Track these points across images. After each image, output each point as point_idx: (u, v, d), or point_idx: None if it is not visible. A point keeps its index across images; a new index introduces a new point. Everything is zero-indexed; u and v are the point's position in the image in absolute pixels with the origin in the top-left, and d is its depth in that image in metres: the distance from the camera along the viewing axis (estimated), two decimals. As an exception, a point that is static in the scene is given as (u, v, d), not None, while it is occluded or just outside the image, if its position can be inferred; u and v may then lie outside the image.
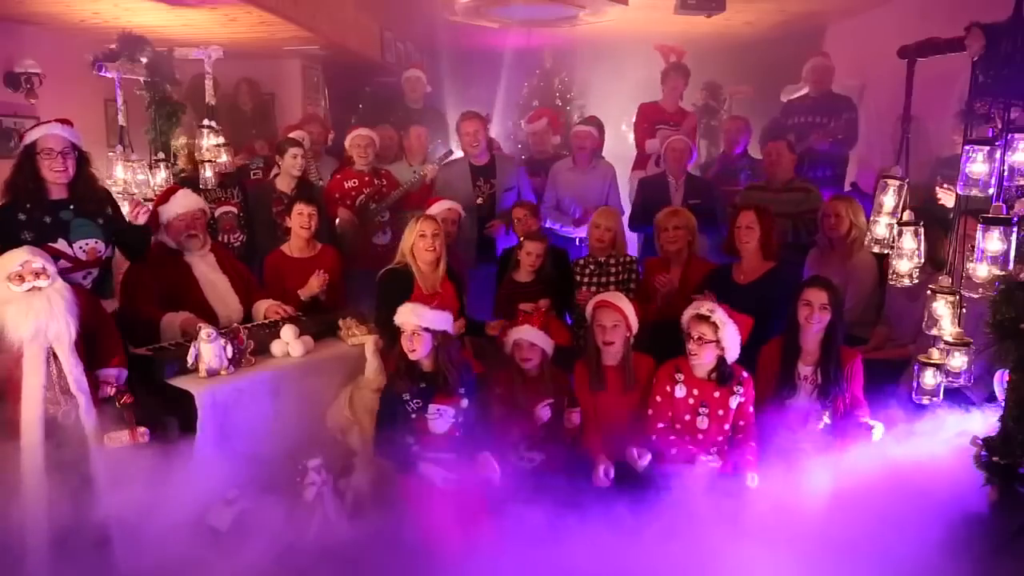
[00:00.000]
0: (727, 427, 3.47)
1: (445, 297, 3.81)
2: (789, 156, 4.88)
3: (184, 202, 3.79)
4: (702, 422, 3.42)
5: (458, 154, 5.26)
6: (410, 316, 3.28)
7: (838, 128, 5.56)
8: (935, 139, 4.86)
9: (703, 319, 3.37)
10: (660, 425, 3.48)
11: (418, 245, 3.87)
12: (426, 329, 3.26)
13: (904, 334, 3.97)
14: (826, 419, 3.44)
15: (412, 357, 3.29)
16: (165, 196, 3.86)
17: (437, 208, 4.51)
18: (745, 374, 3.49)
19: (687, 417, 3.46)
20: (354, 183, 5.12)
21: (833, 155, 5.62)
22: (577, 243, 5.23)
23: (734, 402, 3.45)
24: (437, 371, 3.32)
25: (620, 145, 7.08)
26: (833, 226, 4.22)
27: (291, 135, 5.36)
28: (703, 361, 3.42)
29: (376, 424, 3.39)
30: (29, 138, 3.41)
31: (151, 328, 3.49)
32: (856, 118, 5.67)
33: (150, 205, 3.84)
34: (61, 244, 3.37)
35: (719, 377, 3.43)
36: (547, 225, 5.09)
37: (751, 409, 3.47)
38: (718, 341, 3.37)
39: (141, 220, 3.57)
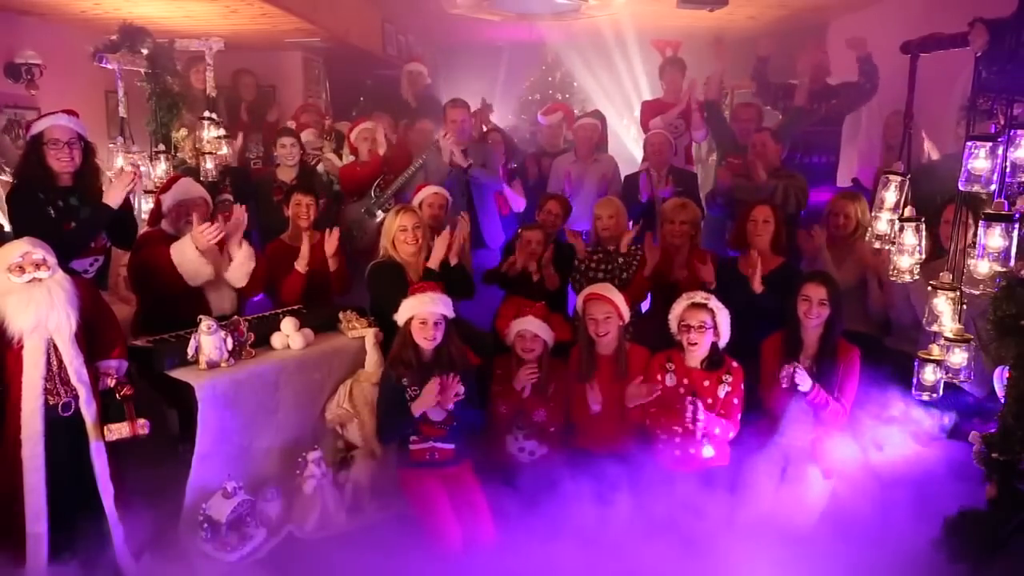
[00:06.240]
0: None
1: (431, 282, 3.75)
2: (774, 146, 4.93)
3: (184, 188, 3.81)
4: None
5: None
6: (429, 305, 3.30)
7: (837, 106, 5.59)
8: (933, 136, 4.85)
9: (701, 307, 3.42)
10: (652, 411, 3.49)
11: (399, 238, 3.87)
12: (443, 316, 3.31)
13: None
14: None
15: (431, 346, 3.32)
16: (167, 185, 3.90)
17: (423, 194, 4.51)
18: (735, 363, 3.51)
19: (677, 406, 3.46)
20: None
21: (826, 143, 5.64)
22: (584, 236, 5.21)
23: (722, 391, 3.47)
24: (439, 356, 3.34)
25: (615, 140, 7.07)
26: (842, 225, 4.18)
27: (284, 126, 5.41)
28: (704, 349, 3.45)
29: (377, 412, 3.41)
30: (36, 128, 3.42)
31: (177, 302, 3.51)
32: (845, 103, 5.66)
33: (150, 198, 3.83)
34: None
35: (711, 362, 3.47)
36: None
37: (735, 402, 3.48)
38: (715, 327, 3.43)
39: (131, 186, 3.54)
